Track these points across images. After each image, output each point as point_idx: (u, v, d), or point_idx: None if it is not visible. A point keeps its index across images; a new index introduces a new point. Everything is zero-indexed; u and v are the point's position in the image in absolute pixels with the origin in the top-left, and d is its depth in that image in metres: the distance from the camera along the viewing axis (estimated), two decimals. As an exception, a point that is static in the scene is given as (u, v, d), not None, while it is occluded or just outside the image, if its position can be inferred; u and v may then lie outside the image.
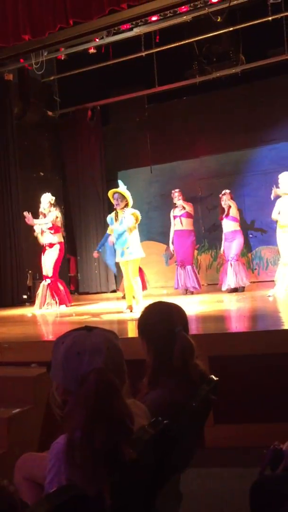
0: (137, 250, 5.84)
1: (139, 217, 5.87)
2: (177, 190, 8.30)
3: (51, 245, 7.23)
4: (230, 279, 7.67)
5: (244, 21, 8.32)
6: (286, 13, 7.95)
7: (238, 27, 8.42)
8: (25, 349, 4.04)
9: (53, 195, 10.63)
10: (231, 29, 8.43)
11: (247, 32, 8.54)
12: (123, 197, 5.81)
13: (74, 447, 1.18)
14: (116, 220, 5.86)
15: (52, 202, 7.41)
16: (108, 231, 6.14)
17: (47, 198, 7.42)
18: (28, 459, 1.84)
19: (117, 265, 6.29)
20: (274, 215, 7.11)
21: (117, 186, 6.02)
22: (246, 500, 1.73)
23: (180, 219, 8.08)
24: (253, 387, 3.47)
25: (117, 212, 5.86)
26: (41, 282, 7.49)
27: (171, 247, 8.20)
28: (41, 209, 7.37)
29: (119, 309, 6.15)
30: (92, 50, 8.84)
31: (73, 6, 5.72)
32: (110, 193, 5.95)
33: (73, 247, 10.93)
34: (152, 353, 1.81)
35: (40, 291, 7.27)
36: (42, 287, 7.24)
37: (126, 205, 5.83)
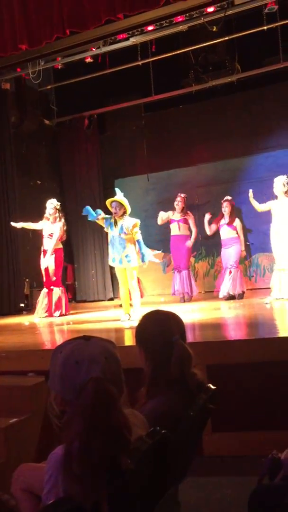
0: (135, 258, 5.87)
1: (139, 224, 5.94)
2: (182, 195, 8.27)
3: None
4: (227, 287, 7.68)
5: (240, 30, 8.38)
6: (281, 22, 8.02)
7: (233, 36, 8.48)
8: (22, 358, 4.03)
9: (50, 203, 10.71)
10: (226, 38, 8.48)
11: (242, 41, 8.60)
12: (121, 205, 5.84)
13: (72, 457, 1.18)
14: (115, 226, 5.88)
15: (58, 207, 7.44)
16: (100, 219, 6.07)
17: (52, 204, 7.41)
18: (26, 469, 1.83)
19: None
20: (262, 207, 7.09)
21: (114, 194, 6.04)
22: (245, 509, 1.72)
23: (178, 224, 8.11)
24: (251, 395, 3.47)
25: (116, 220, 5.88)
26: (41, 289, 7.52)
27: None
28: (46, 214, 7.37)
29: (116, 317, 6.14)
30: (88, 59, 8.88)
31: (69, 16, 5.76)
32: (108, 202, 5.98)
33: (70, 255, 10.92)
34: (150, 362, 1.81)
35: (41, 298, 7.26)
36: (43, 294, 7.18)
37: (124, 213, 5.87)
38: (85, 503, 1.14)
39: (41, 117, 10.18)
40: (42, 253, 7.41)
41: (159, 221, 8.21)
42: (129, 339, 4.49)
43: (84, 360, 1.31)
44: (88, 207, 6.18)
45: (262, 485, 1.66)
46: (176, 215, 8.16)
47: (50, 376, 1.36)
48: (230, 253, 7.88)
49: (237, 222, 7.99)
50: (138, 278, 6.24)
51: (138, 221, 5.92)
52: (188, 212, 8.29)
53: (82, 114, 10.52)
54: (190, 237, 8.24)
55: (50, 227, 7.37)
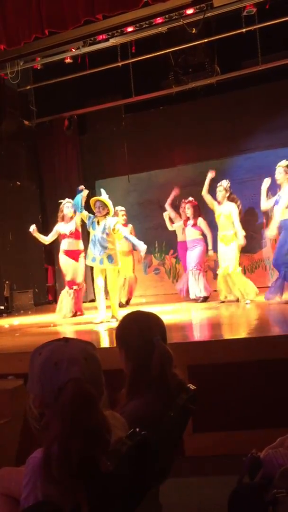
0: (117, 259, 5.85)
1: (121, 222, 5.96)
2: (191, 199, 8.16)
3: (75, 252, 7.06)
4: (194, 288, 7.63)
5: (219, 32, 8.45)
6: (260, 25, 8.11)
7: (212, 38, 8.54)
8: (1, 361, 3.98)
9: (30, 204, 10.63)
10: (206, 40, 8.54)
11: (221, 44, 8.67)
12: (105, 205, 5.82)
13: (51, 460, 1.16)
14: (97, 225, 5.86)
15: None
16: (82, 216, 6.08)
17: (70, 204, 7.12)
18: (5, 474, 1.81)
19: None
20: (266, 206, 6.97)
21: (95, 194, 6.03)
22: (226, 509, 1.73)
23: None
24: (231, 395, 3.48)
25: (98, 220, 5.86)
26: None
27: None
28: (65, 213, 7.10)
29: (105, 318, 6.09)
30: (68, 60, 8.86)
31: (48, 16, 5.72)
32: (92, 201, 5.94)
33: (51, 256, 10.85)
34: (130, 363, 1.81)
35: (63, 298, 7.11)
36: (67, 294, 7.08)
37: (108, 213, 5.85)
38: (65, 505, 1.13)
39: (20, 118, 10.11)
40: (62, 253, 7.15)
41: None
42: (109, 341, 4.47)
43: (63, 361, 1.30)
44: (77, 201, 6.13)
45: (242, 484, 1.67)
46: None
47: (28, 378, 1.34)
48: (192, 255, 7.79)
49: (200, 222, 7.82)
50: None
51: (118, 219, 6.03)
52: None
53: (62, 115, 10.47)
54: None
55: (67, 226, 7.10)
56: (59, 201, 7.24)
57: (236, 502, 1.58)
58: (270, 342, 3.68)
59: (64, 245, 7.06)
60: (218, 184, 7.30)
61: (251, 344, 3.67)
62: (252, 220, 9.70)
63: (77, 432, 1.19)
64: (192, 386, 1.85)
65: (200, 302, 7.47)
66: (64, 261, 7.10)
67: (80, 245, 7.11)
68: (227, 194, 7.17)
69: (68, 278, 7.04)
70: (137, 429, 1.39)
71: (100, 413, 1.28)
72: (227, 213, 7.09)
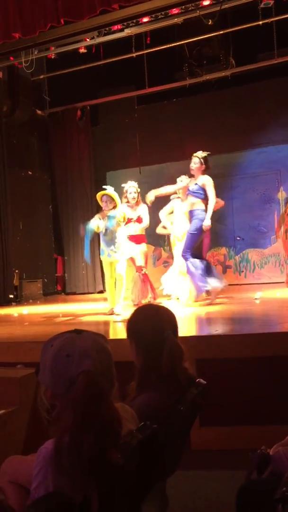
0: (119, 250, 5.85)
1: (126, 216, 5.89)
2: None
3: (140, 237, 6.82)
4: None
5: (235, 24, 8.36)
6: (277, 17, 8.01)
7: (228, 30, 8.45)
8: (11, 350, 4.01)
9: (41, 194, 10.65)
10: (221, 32, 8.45)
11: (237, 36, 8.58)
12: (111, 199, 5.81)
13: (62, 451, 1.17)
14: (104, 220, 5.85)
15: (139, 190, 6.87)
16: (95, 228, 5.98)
17: (134, 187, 6.76)
18: (14, 462, 1.82)
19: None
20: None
21: (104, 188, 6.00)
22: (232, 503, 1.73)
23: None
24: (239, 389, 3.48)
25: (104, 214, 5.85)
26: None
27: None
28: (131, 197, 6.67)
29: (105, 310, 6.11)
30: (82, 50, 8.81)
31: (64, 6, 5.69)
32: (98, 195, 5.94)
33: (60, 246, 10.89)
34: (141, 357, 1.81)
35: (137, 283, 6.92)
36: (139, 279, 6.86)
37: (114, 207, 5.84)
38: (75, 497, 1.13)
39: (33, 107, 10.10)
40: (126, 238, 6.72)
41: None
42: (119, 332, 4.48)
43: (75, 353, 1.30)
44: (89, 229, 5.95)
45: (251, 480, 1.66)
46: None
47: (40, 369, 1.35)
48: None
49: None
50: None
51: (124, 214, 5.95)
52: None
53: (74, 105, 10.45)
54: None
55: (131, 211, 6.69)
56: (122, 185, 6.96)
57: (245, 498, 1.58)
58: (280, 338, 3.67)
59: (130, 229, 6.73)
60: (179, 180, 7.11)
61: (260, 339, 3.65)
62: (264, 215, 9.65)
63: (88, 424, 1.19)
64: (202, 381, 1.85)
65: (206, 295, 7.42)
66: (129, 246, 6.96)
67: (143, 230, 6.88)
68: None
69: (138, 263, 6.79)
70: (148, 423, 1.39)
71: (111, 405, 1.28)
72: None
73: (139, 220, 6.64)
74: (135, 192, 6.65)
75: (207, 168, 6.25)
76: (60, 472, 1.16)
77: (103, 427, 1.20)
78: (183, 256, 6.17)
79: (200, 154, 6.25)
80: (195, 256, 6.16)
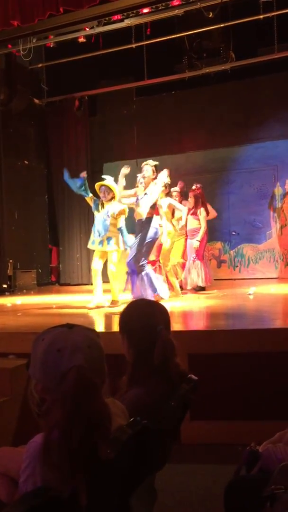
0: (118, 242, 5.77)
1: (126, 212, 5.83)
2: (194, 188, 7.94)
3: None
4: (195, 278, 7.57)
5: (236, 18, 8.31)
6: (278, 12, 7.97)
7: (229, 23, 8.40)
8: (3, 340, 4.00)
9: (37, 184, 10.60)
10: (222, 25, 8.41)
11: (238, 29, 8.54)
12: (110, 190, 5.77)
13: (51, 446, 1.16)
14: (101, 208, 5.82)
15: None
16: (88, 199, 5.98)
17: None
18: (4, 453, 1.82)
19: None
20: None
21: (102, 178, 5.97)
22: (221, 497, 1.74)
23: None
24: (230, 384, 3.49)
25: (103, 203, 5.82)
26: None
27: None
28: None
29: (100, 303, 6.08)
30: (81, 39, 8.75)
31: (64, -7, 5.64)
32: (97, 185, 5.90)
33: (55, 237, 10.86)
34: (133, 351, 1.80)
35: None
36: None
37: (113, 198, 5.80)
38: (63, 492, 1.13)
39: (30, 96, 10.03)
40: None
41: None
42: (112, 325, 4.48)
43: (66, 348, 1.29)
44: (77, 185, 6.02)
45: (239, 476, 1.67)
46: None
47: (31, 363, 1.34)
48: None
49: (200, 212, 7.62)
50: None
51: (125, 208, 5.82)
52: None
53: (72, 95, 10.39)
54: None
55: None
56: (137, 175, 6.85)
57: (233, 494, 1.59)
58: (272, 334, 3.68)
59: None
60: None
61: (253, 335, 3.66)
62: (260, 211, 9.65)
63: (78, 419, 1.18)
64: (193, 377, 1.85)
65: (196, 290, 7.40)
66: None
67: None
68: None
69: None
70: (138, 418, 1.39)
71: (102, 400, 1.28)
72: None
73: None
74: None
75: (156, 178, 6.19)
76: (49, 466, 1.15)
77: (92, 422, 1.20)
78: (141, 265, 6.00)
79: (152, 162, 6.16)
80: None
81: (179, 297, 6.52)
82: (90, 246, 5.99)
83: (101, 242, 5.74)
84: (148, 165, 5.96)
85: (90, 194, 6.00)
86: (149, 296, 5.74)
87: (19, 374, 3.24)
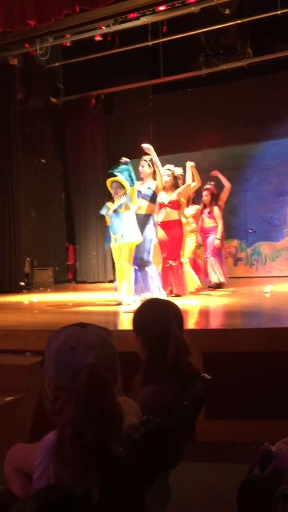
0: (131, 233, 5.72)
1: (134, 195, 5.77)
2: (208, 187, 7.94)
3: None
4: (212, 275, 7.56)
5: (252, 14, 8.25)
6: (296, 7, 7.88)
7: (246, 20, 8.35)
8: (20, 337, 4.05)
9: (53, 182, 10.67)
10: (239, 21, 8.36)
11: (255, 26, 8.48)
12: (121, 186, 5.77)
13: (64, 443, 1.18)
14: (110, 207, 5.83)
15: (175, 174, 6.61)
16: (107, 223, 6.02)
17: (169, 170, 6.53)
18: (18, 450, 1.84)
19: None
20: None
21: (112, 173, 5.96)
22: (234, 496, 1.74)
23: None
24: (246, 383, 3.48)
25: (113, 200, 5.82)
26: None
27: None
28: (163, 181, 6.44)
29: (114, 300, 6.10)
30: (98, 38, 8.77)
31: (80, -7, 5.66)
32: (108, 181, 5.91)
33: (72, 235, 10.92)
34: (146, 350, 1.81)
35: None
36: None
37: (124, 194, 5.79)
38: (76, 489, 1.15)
39: (47, 95, 10.10)
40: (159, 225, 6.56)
41: None
42: (126, 323, 4.50)
43: (79, 346, 1.31)
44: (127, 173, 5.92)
45: (252, 476, 1.67)
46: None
47: (45, 362, 1.36)
48: (209, 243, 7.67)
49: (215, 210, 7.68)
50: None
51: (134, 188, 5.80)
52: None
53: (89, 93, 10.43)
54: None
55: (165, 196, 6.49)
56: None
57: (245, 493, 1.59)
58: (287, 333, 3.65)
59: (162, 215, 6.53)
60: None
61: (269, 334, 3.64)
62: (277, 208, 9.57)
63: (90, 417, 1.20)
64: (207, 376, 1.85)
65: (213, 288, 7.40)
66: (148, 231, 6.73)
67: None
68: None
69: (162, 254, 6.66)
70: (150, 417, 1.40)
71: (114, 399, 1.29)
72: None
73: (173, 205, 6.42)
74: (168, 176, 6.48)
75: (155, 172, 6.21)
76: (61, 463, 1.17)
77: (104, 420, 1.21)
78: (146, 261, 6.02)
79: (148, 158, 6.20)
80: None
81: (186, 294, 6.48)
82: (112, 244, 5.90)
83: (122, 236, 5.68)
84: (145, 161, 6.19)
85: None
86: (152, 291, 5.80)
87: (35, 371, 3.28)
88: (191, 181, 6.90)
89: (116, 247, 5.81)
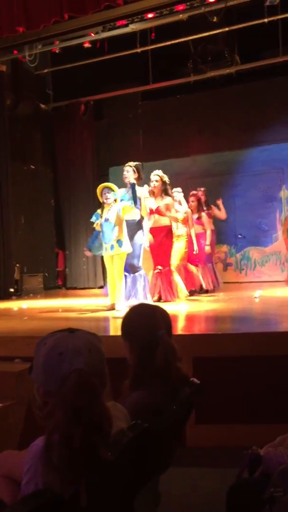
0: (126, 244, 5.75)
1: (131, 208, 5.79)
2: (194, 193, 8.02)
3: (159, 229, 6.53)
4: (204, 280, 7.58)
5: (240, 22, 8.33)
6: (282, 15, 7.98)
7: (234, 27, 8.43)
8: (9, 344, 4.02)
9: (43, 188, 10.67)
10: (226, 29, 8.43)
11: (242, 33, 8.56)
12: (112, 192, 5.76)
13: (52, 448, 1.18)
14: (101, 215, 5.81)
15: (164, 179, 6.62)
16: (96, 228, 6.00)
17: (157, 176, 6.56)
18: (7, 457, 1.84)
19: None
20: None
21: (110, 181, 6.00)
22: (223, 501, 1.75)
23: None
24: (235, 388, 3.50)
25: (103, 208, 5.80)
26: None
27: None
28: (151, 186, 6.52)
29: (104, 306, 6.10)
30: (87, 45, 8.80)
31: (68, 0, 5.69)
32: (100, 188, 5.87)
33: (62, 241, 10.91)
34: (135, 355, 1.82)
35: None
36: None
37: (115, 201, 5.79)
38: (64, 494, 1.15)
39: (36, 101, 10.11)
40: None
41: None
42: (117, 328, 4.50)
43: (67, 352, 1.31)
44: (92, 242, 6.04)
45: (241, 479, 1.68)
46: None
47: (33, 367, 1.36)
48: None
49: (203, 216, 7.73)
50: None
51: (128, 203, 5.79)
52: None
53: (78, 99, 10.45)
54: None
55: (153, 202, 6.50)
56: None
57: (235, 497, 1.60)
58: (278, 338, 3.68)
59: (150, 222, 6.52)
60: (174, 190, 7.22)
61: (258, 339, 3.66)
62: (265, 214, 9.65)
63: (78, 422, 1.20)
64: (195, 380, 1.86)
65: (199, 293, 7.39)
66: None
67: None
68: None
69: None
70: (139, 421, 1.41)
71: (102, 404, 1.29)
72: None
73: (160, 211, 6.43)
74: (156, 181, 6.51)
75: (140, 178, 6.23)
76: (50, 468, 1.17)
77: (93, 425, 1.22)
78: (136, 267, 6.09)
79: (133, 163, 6.25)
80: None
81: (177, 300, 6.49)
82: (103, 253, 5.89)
83: (111, 247, 5.70)
84: (129, 166, 6.19)
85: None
86: (140, 297, 5.82)
87: (24, 378, 3.26)
88: (187, 209, 7.19)
89: (108, 256, 5.81)
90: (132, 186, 5.99)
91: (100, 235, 5.87)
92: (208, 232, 7.64)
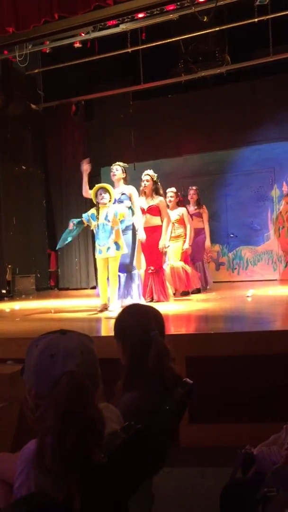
0: (122, 246, 5.73)
1: (125, 215, 5.84)
2: (194, 187, 8.12)
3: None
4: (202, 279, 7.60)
5: (231, 21, 8.35)
6: (272, 15, 8.00)
7: (224, 27, 8.44)
8: (1, 346, 4.00)
9: (34, 189, 10.63)
10: (217, 29, 8.45)
11: (233, 33, 8.57)
12: (108, 192, 5.74)
13: (44, 451, 1.17)
14: (97, 217, 5.77)
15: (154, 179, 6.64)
16: (92, 226, 5.94)
17: (148, 175, 6.62)
18: (0, 460, 1.83)
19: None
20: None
21: (101, 181, 6.00)
22: (217, 501, 1.74)
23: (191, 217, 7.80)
24: (228, 387, 3.50)
25: (99, 208, 5.77)
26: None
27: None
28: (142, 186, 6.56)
29: (96, 306, 6.07)
30: (77, 45, 8.78)
31: (58, 0, 5.67)
32: (95, 188, 5.83)
33: (54, 242, 10.85)
34: (128, 356, 1.81)
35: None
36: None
37: (110, 201, 5.77)
38: (57, 497, 1.14)
39: (27, 101, 10.05)
40: None
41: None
42: (109, 329, 4.49)
43: (59, 353, 1.30)
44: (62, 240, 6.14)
45: (235, 479, 1.68)
46: (191, 209, 7.99)
47: (25, 369, 1.35)
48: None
49: (182, 212, 7.62)
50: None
51: (124, 210, 5.84)
52: (204, 206, 8.19)
53: (69, 100, 10.41)
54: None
55: (144, 202, 6.49)
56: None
57: (228, 497, 1.60)
58: (270, 336, 3.68)
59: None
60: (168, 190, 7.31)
61: (251, 338, 3.67)
62: (257, 213, 9.67)
63: (71, 424, 1.19)
64: (188, 380, 1.86)
65: (191, 293, 7.34)
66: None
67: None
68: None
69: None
70: (132, 423, 1.40)
71: (95, 406, 1.28)
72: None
73: (153, 211, 6.43)
74: (147, 181, 6.52)
75: (125, 180, 6.26)
76: (42, 471, 1.16)
77: (85, 427, 1.21)
78: (130, 265, 6.08)
79: (123, 164, 6.27)
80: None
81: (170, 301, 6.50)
82: (97, 256, 5.86)
83: (108, 249, 5.66)
84: (118, 165, 6.23)
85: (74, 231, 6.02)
86: (133, 297, 5.82)
87: (17, 380, 3.24)
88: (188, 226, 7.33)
89: (101, 258, 5.77)
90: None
91: (73, 233, 5.99)
92: (188, 228, 7.49)
